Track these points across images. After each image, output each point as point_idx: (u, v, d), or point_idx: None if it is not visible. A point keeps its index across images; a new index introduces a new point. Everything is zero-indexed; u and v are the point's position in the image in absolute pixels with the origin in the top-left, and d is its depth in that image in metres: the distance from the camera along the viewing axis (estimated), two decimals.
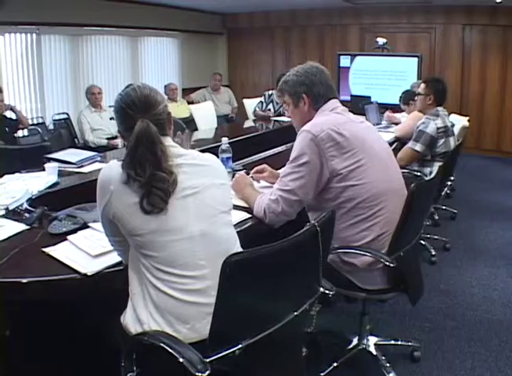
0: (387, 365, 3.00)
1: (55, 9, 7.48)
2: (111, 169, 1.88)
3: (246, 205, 2.77)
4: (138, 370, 1.86)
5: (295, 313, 1.85)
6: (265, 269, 1.70)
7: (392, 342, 3.29)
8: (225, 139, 3.50)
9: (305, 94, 2.73)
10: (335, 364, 2.99)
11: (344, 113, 2.74)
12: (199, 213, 1.87)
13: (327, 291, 2.07)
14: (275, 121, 6.92)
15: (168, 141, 1.94)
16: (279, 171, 3.12)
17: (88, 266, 2.08)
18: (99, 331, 2.20)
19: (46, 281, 2.07)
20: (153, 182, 1.80)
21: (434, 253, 4.82)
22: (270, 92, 7.45)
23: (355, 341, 3.18)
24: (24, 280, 2.04)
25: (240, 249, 1.96)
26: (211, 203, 1.91)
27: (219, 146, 3.49)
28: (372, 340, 3.17)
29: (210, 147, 3.86)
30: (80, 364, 2.38)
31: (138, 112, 1.89)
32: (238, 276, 1.62)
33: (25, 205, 2.99)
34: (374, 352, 3.11)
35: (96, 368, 2.32)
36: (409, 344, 3.28)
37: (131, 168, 1.82)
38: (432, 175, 4.39)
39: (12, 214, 2.83)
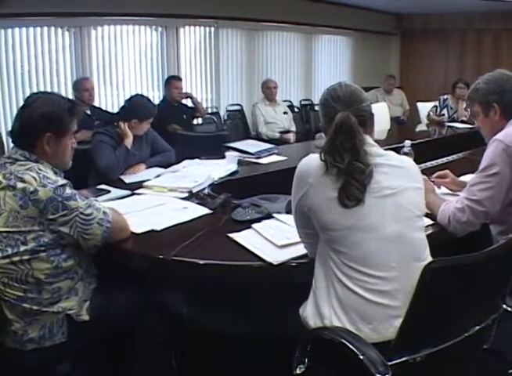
0: None
1: (234, 3, 7.70)
2: (310, 161, 1.92)
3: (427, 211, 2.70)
4: (310, 363, 1.87)
5: (478, 327, 1.80)
6: (461, 279, 1.67)
7: None
8: (407, 142, 3.44)
9: (496, 103, 2.61)
10: None
11: None
12: (395, 214, 1.85)
13: (510, 309, 2.00)
14: (448, 126, 6.69)
15: (369, 139, 1.94)
16: (460, 178, 3.04)
17: (273, 255, 2.13)
18: (272, 320, 2.24)
19: (224, 265, 2.15)
20: (350, 172, 1.81)
21: None
22: (445, 96, 7.18)
23: None
24: (201, 262, 2.14)
25: (429, 256, 1.91)
26: (407, 205, 1.88)
27: (396, 147, 3.43)
28: None
29: (387, 148, 3.79)
30: (249, 349, 2.43)
31: (341, 105, 1.92)
32: (436, 283, 1.60)
33: (207, 190, 3.13)
34: None
35: (265, 356, 2.36)
36: None
37: (330, 155, 1.84)
38: None
39: (195, 197, 2.98)
